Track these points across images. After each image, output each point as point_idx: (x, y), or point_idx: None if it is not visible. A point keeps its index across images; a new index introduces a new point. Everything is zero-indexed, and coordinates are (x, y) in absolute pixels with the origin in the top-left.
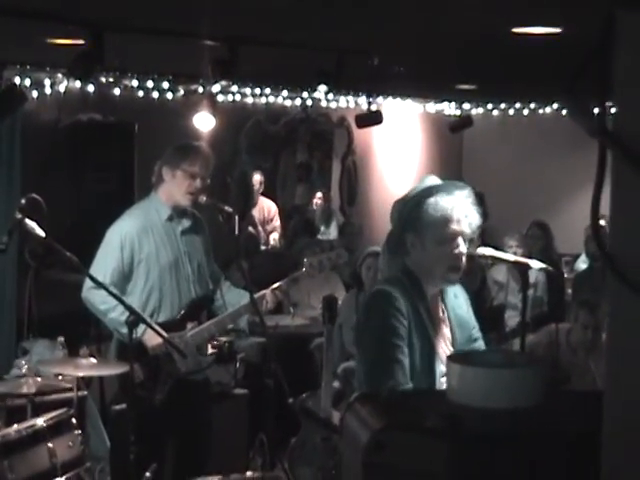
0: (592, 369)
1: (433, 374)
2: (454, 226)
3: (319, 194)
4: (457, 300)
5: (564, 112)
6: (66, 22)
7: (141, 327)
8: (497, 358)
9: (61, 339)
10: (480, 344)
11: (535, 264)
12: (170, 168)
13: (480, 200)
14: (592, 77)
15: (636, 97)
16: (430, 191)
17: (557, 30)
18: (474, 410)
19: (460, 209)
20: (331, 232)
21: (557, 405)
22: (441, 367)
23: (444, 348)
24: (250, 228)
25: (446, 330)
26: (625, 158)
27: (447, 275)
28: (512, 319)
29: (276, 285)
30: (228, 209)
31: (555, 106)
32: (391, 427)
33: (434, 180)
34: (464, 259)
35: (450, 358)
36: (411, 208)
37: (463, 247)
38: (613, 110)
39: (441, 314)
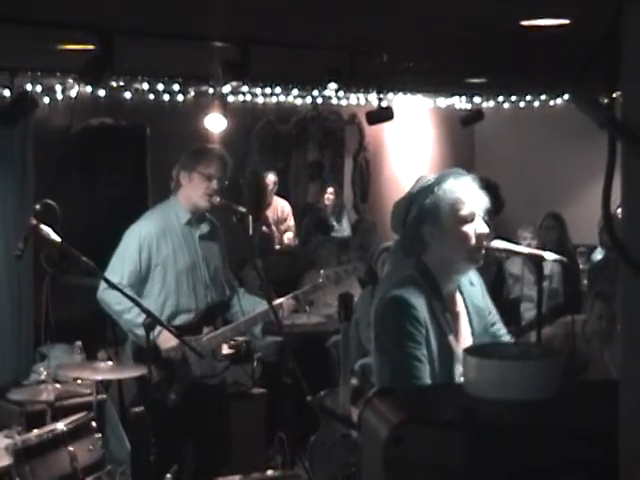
0: (606, 360)
1: (452, 376)
2: (470, 205)
3: (330, 190)
4: (473, 288)
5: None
6: (76, 28)
7: (155, 329)
8: (513, 350)
9: (79, 343)
10: (497, 328)
11: (549, 256)
12: (187, 172)
13: (495, 191)
14: (600, 68)
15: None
16: (439, 180)
17: (566, 22)
18: (490, 402)
19: (471, 191)
20: (344, 228)
21: (573, 396)
22: (460, 368)
23: (464, 343)
24: (264, 228)
25: (465, 324)
26: (634, 148)
27: (472, 255)
28: (528, 312)
29: (293, 294)
30: (242, 209)
31: (566, 97)
32: (409, 421)
33: (428, 178)
34: (485, 239)
35: (466, 351)
36: (424, 199)
37: (484, 226)
38: (621, 101)
39: (458, 309)
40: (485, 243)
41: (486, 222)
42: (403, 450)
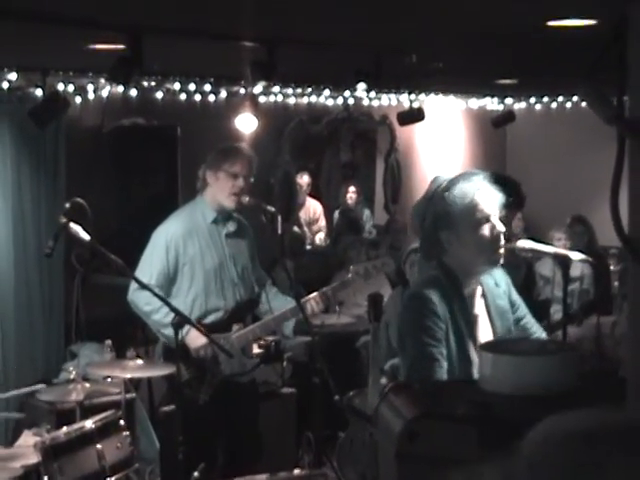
0: None
1: (470, 377)
2: (484, 208)
3: (352, 189)
4: (497, 289)
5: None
6: (106, 27)
7: (185, 329)
8: (527, 345)
9: (109, 342)
10: (526, 321)
11: (575, 255)
12: (213, 171)
13: (515, 187)
14: (609, 66)
15: None
16: (449, 185)
17: (593, 22)
18: (505, 397)
19: (483, 191)
20: (369, 228)
21: (589, 391)
22: (476, 374)
23: None
24: (295, 228)
25: (485, 326)
26: None
27: (492, 257)
28: (558, 313)
29: (322, 291)
30: (271, 209)
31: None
32: (423, 416)
33: (443, 179)
34: (503, 238)
35: (481, 347)
36: (437, 205)
37: (500, 225)
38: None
39: (478, 310)
40: (503, 242)
41: (504, 218)
42: (417, 445)
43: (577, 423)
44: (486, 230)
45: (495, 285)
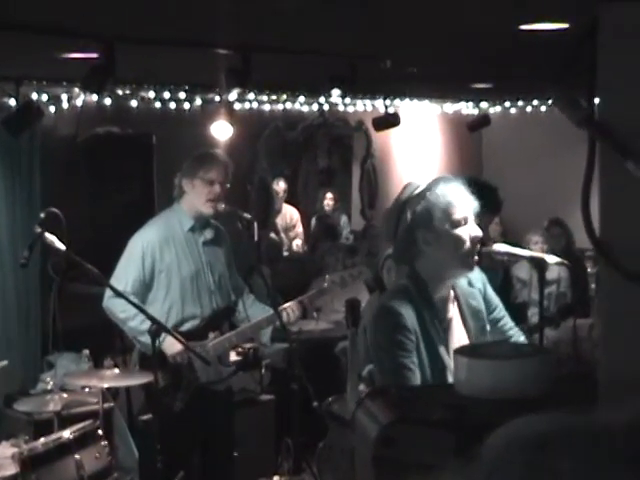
0: None
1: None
2: (461, 209)
3: (329, 195)
4: (471, 289)
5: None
6: (78, 36)
7: (161, 336)
8: (502, 349)
9: (86, 352)
10: (504, 323)
11: (551, 259)
12: (189, 178)
13: (492, 192)
14: (579, 69)
15: (618, 87)
16: (429, 185)
17: (566, 26)
18: (481, 401)
19: (460, 195)
20: (346, 234)
21: (564, 394)
22: (451, 378)
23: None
24: (272, 235)
25: (459, 329)
26: (611, 147)
27: (466, 259)
28: (535, 316)
29: (298, 299)
30: (247, 216)
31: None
32: (399, 421)
33: (417, 185)
34: (479, 243)
35: (456, 351)
36: (417, 205)
37: (477, 230)
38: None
39: (452, 314)
40: (480, 247)
41: (480, 224)
42: (393, 450)
43: (535, 427)
44: (464, 232)
45: (469, 285)
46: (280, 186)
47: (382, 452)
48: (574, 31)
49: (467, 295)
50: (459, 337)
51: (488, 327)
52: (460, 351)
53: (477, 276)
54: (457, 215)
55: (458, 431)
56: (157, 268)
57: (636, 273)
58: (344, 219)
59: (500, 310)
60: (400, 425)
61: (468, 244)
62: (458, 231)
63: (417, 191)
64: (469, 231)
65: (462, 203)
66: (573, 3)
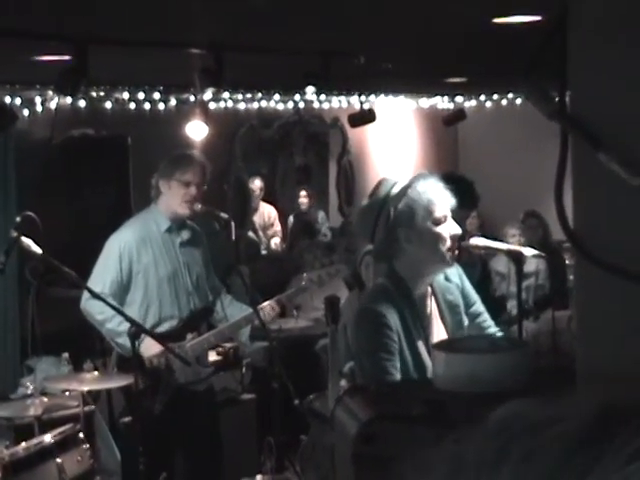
0: None
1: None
2: (441, 207)
3: (303, 193)
4: (448, 283)
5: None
6: (50, 38)
7: (139, 338)
8: (479, 343)
9: (65, 355)
10: (483, 319)
11: (528, 252)
12: (165, 180)
13: (469, 186)
14: (550, 62)
15: (587, 80)
16: (409, 184)
17: (538, 18)
18: (459, 396)
19: (438, 192)
20: (324, 231)
21: (542, 387)
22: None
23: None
24: (250, 233)
25: (438, 324)
26: (583, 140)
27: (446, 256)
28: (515, 309)
29: (277, 298)
30: (224, 216)
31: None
32: (379, 418)
33: (392, 182)
34: (458, 240)
35: (434, 346)
36: (397, 203)
37: (456, 226)
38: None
39: (430, 310)
40: (459, 243)
41: (457, 219)
42: (372, 446)
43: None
44: (444, 229)
45: (445, 280)
46: (256, 184)
47: (362, 449)
48: (544, 24)
49: (444, 290)
50: (438, 332)
51: (466, 321)
52: (438, 346)
53: (453, 271)
54: (438, 213)
55: (437, 426)
56: (134, 269)
57: (610, 264)
58: (322, 216)
59: (479, 305)
60: (379, 422)
61: (449, 241)
62: (439, 229)
63: (396, 189)
64: (449, 229)
65: (442, 200)
66: None
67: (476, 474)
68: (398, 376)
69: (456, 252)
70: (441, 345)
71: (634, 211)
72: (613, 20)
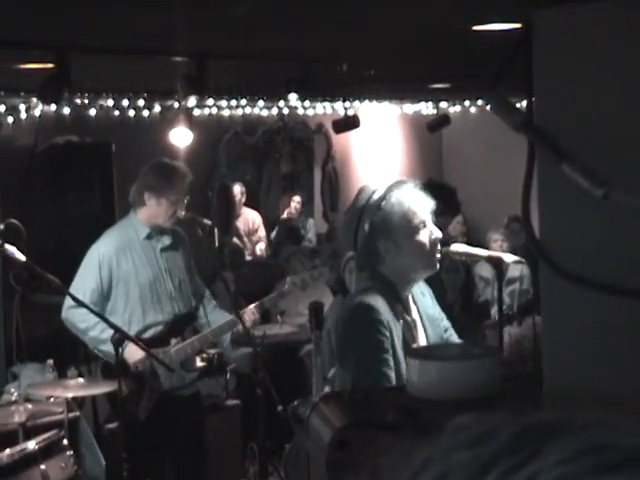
0: None
1: None
2: (420, 214)
3: (297, 199)
4: (425, 298)
5: None
6: (32, 46)
7: (123, 344)
8: (450, 351)
9: (50, 362)
10: (450, 334)
11: (508, 257)
12: (155, 195)
13: (451, 194)
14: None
15: (552, 90)
16: (384, 194)
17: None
18: (431, 403)
19: (416, 198)
20: (310, 238)
21: (513, 394)
22: None
23: None
24: (235, 240)
25: (421, 332)
26: (548, 150)
27: (429, 261)
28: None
29: (258, 302)
30: (207, 222)
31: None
32: (352, 425)
33: (372, 190)
34: (439, 244)
35: (407, 353)
36: (373, 216)
37: (437, 231)
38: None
39: (414, 316)
40: (440, 247)
41: (438, 225)
42: (346, 453)
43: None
44: (424, 236)
45: (421, 294)
46: (237, 190)
47: (336, 456)
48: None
49: (424, 304)
50: (422, 340)
51: (444, 336)
52: (411, 353)
53: (424, 288)
54: (415, 221)
55: (410, 433)
56: (114, 278)
57: (573, 274)
58: (310, 222)
59: (446, 321)
60: (353, 428)
61: (428, 247)
62: (418, 237)
63: (372, 199)
64: (428, 234)
65: (419, 207)
66: (509, 7)
67: None
68: (393, 375)
69: (438, 255)
70: (414, 352)
71: (598, 221)
72: (578, 34)
